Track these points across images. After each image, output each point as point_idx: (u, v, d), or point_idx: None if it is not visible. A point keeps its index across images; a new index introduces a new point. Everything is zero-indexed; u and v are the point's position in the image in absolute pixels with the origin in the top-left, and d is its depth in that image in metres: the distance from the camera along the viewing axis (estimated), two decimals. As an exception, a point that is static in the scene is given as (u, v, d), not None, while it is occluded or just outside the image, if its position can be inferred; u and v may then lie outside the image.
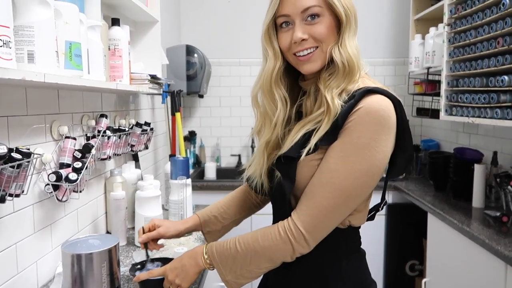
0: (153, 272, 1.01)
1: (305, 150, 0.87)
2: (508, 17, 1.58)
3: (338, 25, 0.92)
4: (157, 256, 1.24)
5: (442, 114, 2.12)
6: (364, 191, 0.87)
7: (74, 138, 1.20)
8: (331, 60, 0.92)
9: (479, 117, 1.79)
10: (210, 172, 2.94)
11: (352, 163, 0.84)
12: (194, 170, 2.96)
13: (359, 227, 0.98)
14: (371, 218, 1.01)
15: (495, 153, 2.04)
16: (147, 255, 1.13)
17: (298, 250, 0.87)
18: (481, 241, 1.57)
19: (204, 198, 2.46)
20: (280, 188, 0.94)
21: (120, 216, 1.44)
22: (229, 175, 2.95)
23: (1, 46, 0.74)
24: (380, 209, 1.02)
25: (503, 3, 1.60)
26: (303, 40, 0.90)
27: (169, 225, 1.15)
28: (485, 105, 1.73)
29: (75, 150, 1.18)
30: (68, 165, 1.15)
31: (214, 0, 3.10)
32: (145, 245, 1.13)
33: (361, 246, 1.02)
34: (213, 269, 0.95)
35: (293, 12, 0.90)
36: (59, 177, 1.06)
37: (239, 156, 3.16)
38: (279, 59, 0.95)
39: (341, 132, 0.86)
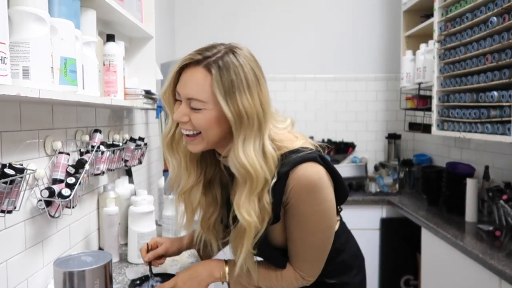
0: (164, 285, 1.03)
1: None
2: (496, 34, 1.62)
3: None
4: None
5: (434, 129, 2.15)
6: (332, 232, 1.01)
7: (68, 154, 1.19)
8: None
9: (470, 132, 1.82)
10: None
11: (311, 228, 0.95)
12: (187, 185, 2.94)
13: (340, 221, 1.13)
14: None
15: (486, 168, 2.06)
16: (151, 272, 1.14)
17: (307, 284, 1.03)
18: (474, 256, 1.57)
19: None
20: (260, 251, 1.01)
21: (113, 232, 1.43)
22: (223, 190, 2.94)
23: (-3, 62, 0.74)
24: (340, 208, 1.12)
25: (491, 21, 1.64)
26: (181, 121, 0.92)
27: (172, 242, 1.19)
28: (476, 120, 1.76)
29: (69, 165, 1.17)
30: (61, 181, 1.14)
31: (208, 16, 3.14)
32: (149, 263, 1.14)
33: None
34: (223, 283, 1.05)
35: (182, 94, 0.91)
36: (52, 193, 1.05)
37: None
38: (175, 126, 0.99)
39: (288, 207, 0.94)
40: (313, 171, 0.91)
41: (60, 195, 1.06)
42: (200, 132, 0.91)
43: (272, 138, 0.93)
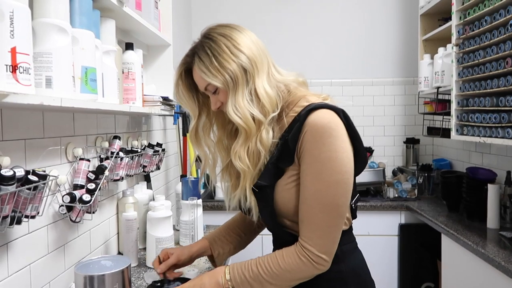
0: None
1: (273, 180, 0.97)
2: (516, 37, 1.59)
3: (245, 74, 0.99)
4: None
5: (453, 133, 2.11)
6: (346, 196, 0.95)
7: (88, 160, 1.22)
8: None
9: (490, 136, 1.78)
10: (221, 192, 2.94)
11: (325, 178, 0.91)
12: (204, 190, 2.97)
13: (350, 228, 1.06)
14: (353, 216, 1.07)
15: (508, 173, 2.01)
16: (166, 282, 1.14)
17: (322, 270, 0.94)
18: (496, 263, 1.53)
19: (215, 218, 2.46)
20: (262, 214, 1.01)
21: (132, 236, 1.46)
22: (239, 195, 2.95)
23: (22, 73, 0.77)
24: (353, 205, 1.06)
25: (511, 24, 1.61)
26: (219, 107, 1.03)
27: (182, 250, 1.18)
28: (496, 125, 1.72)
29: (89, 171, 1.20)
30: (82, 187, 1.17)
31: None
32: (164, 274, 1.15)
33: (371, 261, 1.10)
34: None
35: (201, 89, 1.03)
36: (73, 198, 1.08)
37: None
38: (195, 117, 1.09)
39: (302, 155, 0.93)
40: (329, 117, 0.92)
41: (80, 200, 1.09)
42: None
43: (294, 94, 1.02)
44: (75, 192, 1.11)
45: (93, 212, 1.18)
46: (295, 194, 0.95)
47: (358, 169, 1.00)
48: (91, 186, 1.14)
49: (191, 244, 1.23)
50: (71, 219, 1.12)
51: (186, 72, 1.06)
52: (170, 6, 1.93)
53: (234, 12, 3.16)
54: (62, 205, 1.10)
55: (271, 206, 0.97)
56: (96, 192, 1.13)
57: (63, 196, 1.09)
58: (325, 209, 0.92)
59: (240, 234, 1.23)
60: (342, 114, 0.94)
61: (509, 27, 1.63)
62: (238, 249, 1.24)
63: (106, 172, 1.20)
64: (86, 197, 1.10)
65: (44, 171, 0.93)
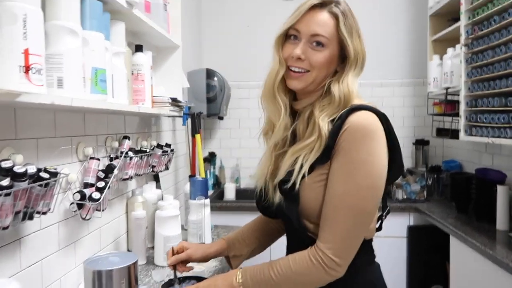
0: None
1: (299, 177, 0.92)
2: (525, 37, 1.59)
3: (342, 61, 0.99)
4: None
5: (461, 134, 2.10)
6: (375, 203, 0.92)
7: (98, 159, 1.25)
8: (328, 91, 0.98)
9: (499, 137, 1.77)
10: (230, 193, 2.97)
11: (357, 180, 0.88)
12: (214, 191, 3.00)
13: (371, 239, 1.02)
14: (378, 228, 1.04)
15: (518, 174, 1.99)
16: (175, 276, 1.13)
17: (333, 276, 0.90)
18: (505, 265, 1.52)
19: (223, 219, 2.48)
20: (287, 212, 0.97)
21: (141, 235, 1.48)
22: (248, 196, 2.97)
23: (34, 73, 0.80)
24: (384, 217, 1.05)
25: (520, 23, 1.61)
26: (299, 58, 0.97)
27: (197, 248, 1.17)
28: (505, 125, 1.71)
29: (99, 170, 1.23)
30: (92, 185, 1.20)
31: (233, 25, 3.20)
32: (174, 267, 1.14)
33: (379, 263, 1.05)
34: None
35: (304, 31, 0.97)
36: (83, 196, 1.11)
37: (258, 177, 3.18)
38: (284, 66, 1.00)
39: (337, 153, 0.91)
40: (371, 119, 0.90)
41: (90, 198, 1.12)
42: (308, 71, 0.98)
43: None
44: (85, 190, 1.14)
45: (103, 210, 1.21)
46: (322, 194, 0.92)
47: (392, 178, 0.98)
48: (101, 184, 1.16)
49: (209, 243, 1.22)
50: (81, 217, 1.15)
51: (315, 7, 0.97)
52: (179, 8, 1.96)
53: (243, 14, 3.18)
54: (72, 203, 1.13)
55: (297, 205, 0.94)
56: (105, 191, 1.15)
57: (73, 194, 1.12)
58: (350, 213, 0.89)
59: (260, 238, 1.21)
60: (384, 119, 0.93)
61: (517, 27, 1.62)
62: (256, 253, 1.23)
63: (115, 171, 1.23)
64: (96, 195, 1.12)
65: (55, 169, 0.96)
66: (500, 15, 1.77)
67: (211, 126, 3.25)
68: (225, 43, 3.20)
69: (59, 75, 0.96)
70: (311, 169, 0.93)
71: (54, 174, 0.93)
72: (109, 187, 1.19)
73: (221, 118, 2.99)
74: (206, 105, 2.75)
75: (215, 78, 2.76)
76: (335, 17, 0.96)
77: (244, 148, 3.22)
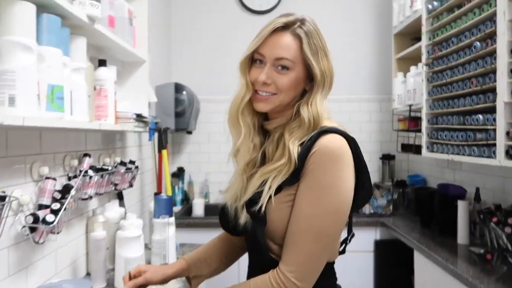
0: None
1: (266, 198, 0.91)
2: (480, 59, 1.66)
3: (310, 80, 0.99)
4: None
5: (424, 151, 2.16)
6: (339, 227, 0.93)
7: (55, 179, 1.20)
8: (298, 113, 0.98)
9: (458, 154, 1.83)
10: (198, 209, 2.92)
11: (323, 204, 0.88)
12: (182, 206, 2.94)
13: (333, 262, 1.02)
14: (342, 252, 1.04)
15: (477, 189, 2.06)
16: None
17: None
18: (465, 280, 1.56)
19: (191, 236, 2.43)
20: (253, 232, 0.96)
21: (100, 257, 1.42)
22: (217, 212, 2.90)
23: (-19, 93, 0.76)
24: (348, 241, 1.04)
25: (475, 45, 1.68)
26: (265, 83, 0.96)
27: (156, 270, 1.12)
28: (463, 143, 1.77)
29: (55, 191, 1.18)
30: (47, 206, 1.14)
31: (204, 39, 3.20)
32: None
33: (347, 277, 1.07)
34: None
35: (268, 56, 0.97)
36: (36, 219, 1.06)
37: (228, 192, 3.15)
38: (250, 91, 1.00)
39: (304, 175, 0.90)
40: (340, 143, 0.90)
41: (44, 221, 1.07)
42: (275, 94, 0.97)
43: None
44: (38, 212, 1.09)
45: (58, 233, 1.16)
46: (288, 215, 0.92)
47: (360, 202, 0.98)
48: (56, 206, 1.11)
49: (168, 264, 1.19)
50: (34, 241, 1.09)
51: (277, 30, 0.97)
52: (146, 22, 1.94)
53: (213, 29, 3.19)
54: (24, 226, 1.07)
55: (264, 225, 0.93)
56: (60, 212, 1.10)
57: (26, 217, 1.07)
58: (314, 236, 0.88)
59: (221, 257, 1.19)
60: (353, 143, 0.93)
61: (473, 49, 1.70)
62: (218, 272, 1.20)
63: (73, 192, 1.18)
64: (50, 217, 1.07)
65: (4, 192, 0.90)
66: (458, 37, 1.84)
67: (180, 140, 3.21)
68: (195, 57, 3.19)
69: (11, 92, 0.92)
70: (279, 189, 0.93)
71: (1, 198, 0.88)
72: (65, 209, 1.14)
73: (189, 132, 2.96)
74: (175, 120, 2.71)
75: (184, 92, 2.74)
76: (299, 38, 0.96)
77: (213, 163, 3.19)
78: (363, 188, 0.95)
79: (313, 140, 0.91)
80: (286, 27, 0.97)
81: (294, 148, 0.92)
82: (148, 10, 1.95)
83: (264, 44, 0.97)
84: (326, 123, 0.97)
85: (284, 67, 0.96)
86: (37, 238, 1.09)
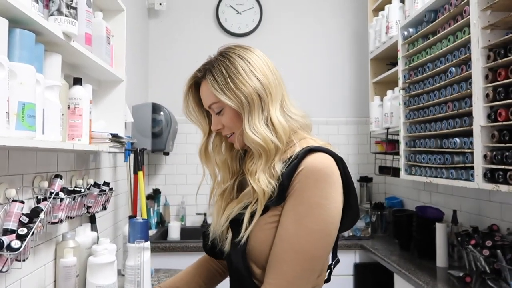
0: None
1: (247, 233, 0.90)
2: (455, 84, 1.70)
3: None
4: None
5: (402, 173, 2.18)
6: (326, 250, 0.89)
7: (22, 202, 1.13)
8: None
9: (436, 177, 1.85)
10: (174, 232, 2.82)
11: (309, 224, 0.85)
12: (157, 230, 2.85)
13: None
14: (327, 280, 1.00)
15: (454, 212, 2.08)
16: None
17: None
18: (446, 304, 1.55)
19: (167, 261, 2.35)
20: (235, 252, 0.92)
21: (70, 285, 1.34)
22: (194, 235, 2.84)
23: None
24: (332, 267, 1.01)
25: (450, 71, 1.73)
26: (218, 130, 1.02)
27: None
28: (441, 166, 1.79)
29: (22, 214, 1.10)
30: (12, 231, 1.06)
31: (181, 60, 3.18)
32: None
33: None
34: None
35: (205, 106, 1.03)
36: (0, 245, 0.98)
37: (205, 214, 3.09)
38: (207, 136, 1.07)
39: (290, 194, 0.87)
40: (328, 162, 0.87)
41: (9, 247, 0.99)
42: (233, 133, 1.00)
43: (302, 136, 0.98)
44: (3, 238, 1.01)
45: (24, 260, 1.08)
46: (272, 236, 0.88)
47: (347, 225, 0.94)
48: (22, 231, 1.04)
49: None
50: (-3, 269, 1.01)
51: (195, 86, 1.05)
52: (124, 41, 1.90)
53: (191, 49, 3.18)
54: (-14, 253, 0.99)
55: (245, 245, 0.90)
56: (27, 238, 1.03)
57: (-12, 243, 0.99)
58: (298, 257, 0.84)
59: (200, 284, 1.14)
60: (341, 162, 0.90)
61: (449, 74, 1.74)
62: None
63: (42, 215, 1.11)
64: (16, 243, 1.00)
65: (-35, 216, 0.83)
66: (433, 63, 1.89)
67: (156, 161, 3.14)
68: (173, 77, 3.16)
69: (-23, 109, 0.87)
70: (266, 209, 0.89)
71: (-38, 223, 0.81)
72: (32, 234, 1.06)
73: (166, 153, 2.90)
74: (152, 140, 2.65)
75: (161, 113, 2.70)
76: (207, 81, 0.99)
77: (190, 184, 3.13)
78: (351, 209, 0.92)
79: (300, 158, 0.88)
80: (198, 77, 1.02)
81: (254, 180, 0.91)
82: (126, 29, 1.92)
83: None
84: (311, 142, 0.94)
85: (218, 111, 0.99)
86: (1, 266, 1.01)
